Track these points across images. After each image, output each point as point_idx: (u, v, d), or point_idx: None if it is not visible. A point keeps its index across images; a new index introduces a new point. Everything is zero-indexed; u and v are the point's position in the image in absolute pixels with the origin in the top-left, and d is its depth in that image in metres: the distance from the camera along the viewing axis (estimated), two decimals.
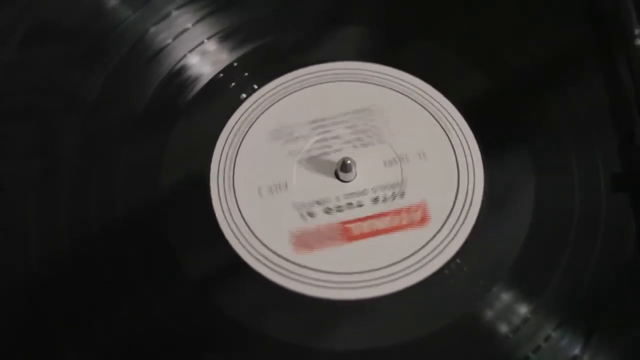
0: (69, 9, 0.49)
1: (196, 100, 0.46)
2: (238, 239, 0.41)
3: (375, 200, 0.42)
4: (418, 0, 0.50)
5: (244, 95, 0.46)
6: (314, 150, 0.44)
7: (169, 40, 0.48)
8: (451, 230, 0.41)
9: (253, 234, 0.41)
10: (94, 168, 0.43)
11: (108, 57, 0.47)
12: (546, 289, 0.39)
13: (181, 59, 0.47)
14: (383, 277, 0.40)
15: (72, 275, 0.40)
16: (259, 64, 0.47)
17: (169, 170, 0.43)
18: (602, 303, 0.39)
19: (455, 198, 0.42)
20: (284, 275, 0.40)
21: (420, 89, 0.46)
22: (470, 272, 0.40)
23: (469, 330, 0.38)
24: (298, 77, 0.47)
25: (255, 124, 0.45)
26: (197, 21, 0.49)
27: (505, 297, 0.39)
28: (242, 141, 0.44)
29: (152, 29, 0.48)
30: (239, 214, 0.42)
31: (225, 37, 0.48)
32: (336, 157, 0.43)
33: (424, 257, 0.40)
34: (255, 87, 0.46)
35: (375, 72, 0.46)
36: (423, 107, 0.45)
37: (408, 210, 0.42)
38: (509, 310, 0.39)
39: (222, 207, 0.42)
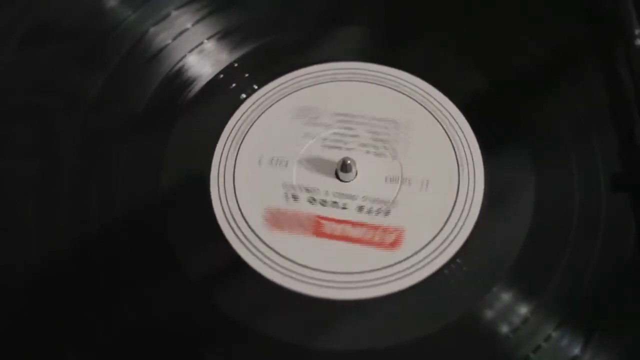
0: (69, 9, 0.49)
1: (196, 101, 0.46)
2: (239, 238, 0.41)
3: (360, 208, 0.42)
4: (418, 0, 0.50)
5: (243, 96, 0.46)
6: (328, 141, 0.44)
7: (169, 41, 0.48)
8: (452, 231, 0.41)
9: (254, 232, 0.41)
10: (94, 168, 0.43)
11: (108, 57, 0.47)
12: (546, 289, 0.39)
13: (181, 59, 0.47)
14: (383, 277, 0.40)
15: (72, 275, 0.40)
16: (259, 64, 0.47)
17: (169, 170, 0.43)
18: (602, 303, 0.39)
19: (456, 198, 0.42)
20: (285, 275, 0.40)
21: (421, 89, 0.46)
22: (470, 272, 0.40)
23: (469, 330, 0.38)
24: (298, 77, 0.47)
25: (255, 123, 0.45)
26: (197, 21, 0.49)
27: (505, 297, 0.39)
28: (242, 141, 0.44)
29: (152, 29, 0.48)
30: (239, 213, 0.42)
31: (225, 37, 0.48)
32: (354, 156, 0.43)
33: (425, 258, 0.40)
34: (255, 87, 0.46)
35: (376, 72, 0.46)
36: (423, 106, 0.45)
37: (385, 229, 0.42)
38: (509, 310, 0.39)
39: (222, 207, 0.42)
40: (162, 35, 0.48)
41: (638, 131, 0.43)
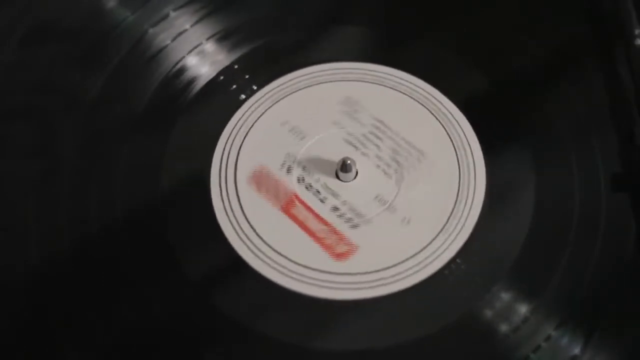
0: (69, 9, 0.49)
1: (195, 101, 0.46)
2: (240, 237, 0.41)
3: (335, 209, 0.42)
4: (418, 0, 0.50)
5: (243, 96, 0.46)
6: (352, 137, 0.44)
7: (168, 41, 0.48)
8: (452, 231, 0.41)
9: (255, 232, 0.41)
10: (94, 168, 0.43)
11: (108, 58, 0.47)
12: (546, 289, 0.39)
13: (180, 59, 0.47)
14: (384, 277, 0.40)
15: (72, 275, 0.40)
16: (259, 65, 0.47)
17: (169, 170, 0.43)
18: (602, 303, 0.39)
19: (457, 198, 0.42)
20: (285, 275, 0.40)
21: (421, 88, 0.46)
22: (471, 271, 0.40)
23: (469, 330, 0.38)
24: (298, 77, 0.47)
25: (257, 123, 0.45)
26: (196, 22, 0.49)
27: (505, 297, 0.39)
28: (243, 140, 0.44)
29: (151, 30, 0.48)
30: (241, 213, 0.42)
31: (224, 37, 0.48)
32: (363, 163, 0.44)
33: (425, 258, 0.40)
34: (255, 87, 0.46)
35: (375, 72, 0.46)
36: (425, 107, 0.45)
37: (342, 239, 0.41)
38: (509, 310, 0.39)
39: (224, 207, 0.42)
40: (162, 36, 0.48)
41: (638, 131, 0.43)
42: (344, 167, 0.42)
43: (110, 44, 0.47)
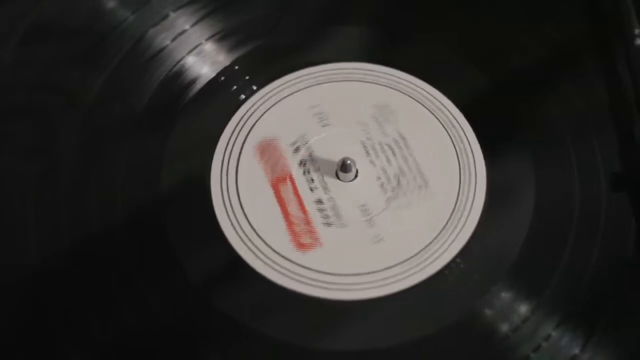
0: (69, 9, 0.49)
1: (195, 101, 0.46)
2: (240, 237, 0.41)
3: (319, 201, 0.42)
4: (418, 0, 0.50)
5: (243, 96, 0.46)
6: (370, 142, 0.44)
7: (168, 42, 0.48)
8: (453, 231, 0.41)
9: (255, 232, 0.41)
10: (94, 168, 0.43)
11: (108, 58, 0.47)
12: (546, 289, 0.39)
13: (180, 60, 0.47)
14: (384, 278, 0.40)
15: (72, 274, 0.40)
16: (258, 65, 0.47)
17: (169, 170, 0.43)
18: (602, 303, 0.39)
19: (457, 198, 0.42)
20: (285, 275, 0.40)
21: (422, 88, 0.46)
22: (471, 271, 0.40)
23: (469, 330, 0.38)
24: (298, 77, 0.47)
25: (258, 124, 0.45)
26: (196, 22, 0.49)
27: (506, 296, 0.39)
28: (245, 140, 0.44)
29: (151, 30, 0.48)
30: (242, 213, 0.42)
31: (224, 38, 0.48)
32: (367, 170, 0.43)
33: (426, 258, 0.40)
34: (254, 87, 0.46)
35: (376, 72, 0.47)
36: (426, 108, 0.45)
37: (311, 232, 0.42)
38: (509, 309, 0.39)
39: (225, 207, 0.42)
40: (162, 36, 0.48)
41: (638, 131, 0.43)
42: (344, 167, 0.42)
43: (110, 44, 0.47)
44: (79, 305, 0.39)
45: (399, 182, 0.43)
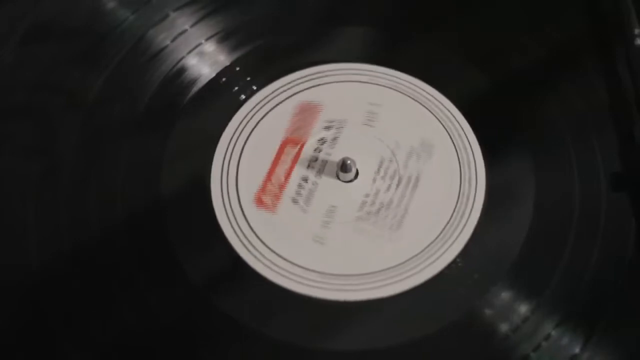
0: (69, 9, 0.49)
1: (195, 101, 0.46)
2: (239, 238, 0.41)
3: (304, 179, 0.43)
4: (418, 0, 0.50)
5: (243, 96, 0.46)
6: (387, 162, 0.44)
7: (168, 42, 0.48)
8: (454, 231, 0.41)
9: (255, 233, 0.41)
10: (94, 168, 0.43)
11: (108, 58, 0.47)
12: (546, 289, 0.39)
13: (180, 60, 0.47)
14: (384, 279, 0.40)
15: (72, 275, 0.40)
16: (258, 65, 0.47)
17: (169, 171, 0.43)
18: (602, 303, 0.39)
19: (458, 199, 0.42)
20: (285, 277, 0.40)
21: (421, 89, 0.46)
22: (471, 271, 0.40)
23: (469, 330, 0.38)
24: (298, 78, 0.47)
25: (259, 124, 0.45)
26: (196, 22, 0.49)
27: (505, 296, 0.39)
28: (246, 140, 0.44)
29: (151, 31, 0.48)
30: (241, 214, 0.42)
31: (224, 38, 0.48)
32: (364, 182, 0.43)
33: (427, 259, 0.40)
34: (254, 88, 0.46)
35: (376, 72, 0.46)
36: (426, 108, 0.45)
37: (277, 196, 0.42)
38: (509, 309, 0.39)
39: (224, 207, 0.42)
40: (162, 36, 0.48)
41: (638, 131, 0.43)
42: (343, 166, 0.42)
43: (110, 44, 0.47)
44: (79, 305, 0.39)
45: (378, 211, 0.42)
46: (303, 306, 0.39)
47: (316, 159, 0.43)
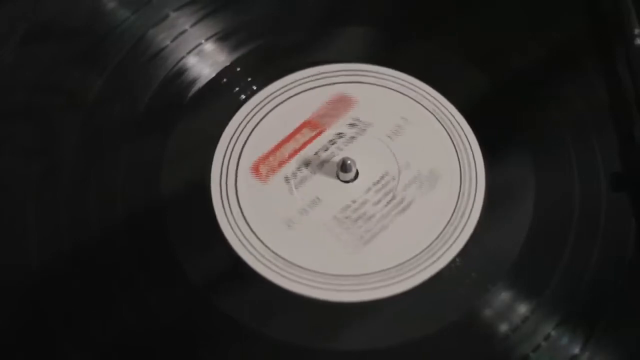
0: (69, 9, 0.49)
1: (195, 102, 0.46)
2: (238, 238, 0.41)
3: (306, 163, 0.43)
4: (418, 0, 0.50)
5: (243, 96, 0.46)
6: (388, 178, 0.44)
7: (168, 42, 0.48)
8: (454, 231, 0.41)
9: (254, 233, 0.41)
10: (94, 168, 0.43)
11: (108, 58, 0.47)
12: (546, 289, 0.39)
13: (180, 60, 0.47)
14: (384, 279, 0.40)
15: (72, 275, 0.40)
16: (258, 65, 0.47)
17: (169, 171, 0.43)
18: (602, 303, 0.39)
19: (458, 199, 0.42)
20: (285, 277, 0.40)
21: (421, 89, 0.46)
22: (471, 271, 0.40)
23: (469, 330, 0.38)
24: (298, 79, 0.47)
25: (259, 124, 0.45)
26: (196, 22, 0.49)
27: (505, 296, 0.39)
28: (246, 141, 0.44)
29: (151, 31, 0.48)
30: (240, 214, 0.42)
31: (224, 38, 0.48)
32: (359, 189, 0.43)
33: (427, 259, 0.40)
34: (255, 88, 0.46)
35: (376, 72, 0.46)
36: (426, 108, 0.45)
37: (273, 170, 0.43)
38: (509, 309, 0.39)
39: (223, 208, 0.42)
40: (162, 36, 0.48)
41: (638, 131, 0.43)
42: (343, 166, 0.42)
43: (110, 44, 0.47)
44: (79, 306, 0.39)
45: (356, 220, 0.42)
46: (303, 306, 0.39)
47: (326, 149, 0.44)
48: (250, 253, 0.41)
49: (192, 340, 0.38)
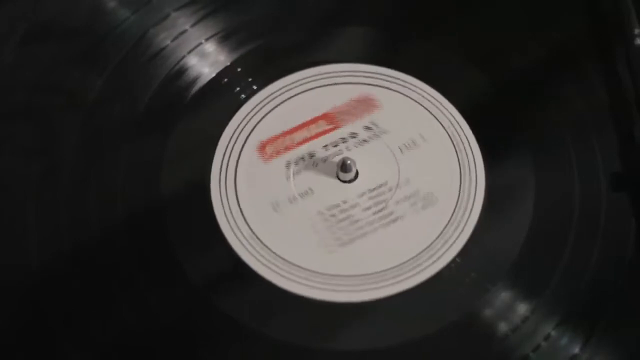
0: (69, 8, 0.49)
1: (196, 101, 0.46)
2: (239, 239, 0.41)
3: (311, 155, 0.44)
4: (418, 0, 0.50)
5: (243, 96, 0.46)
6: (386, 189, 0.43)
7: (168, 42, 0.48)
8: (454, 231, 0.41)
9: (254, 234, 0.41)
10: (94, 168, 0.43)
11: (108, 58, 0.47)
12: (546, 289, 0.39)
13: (180, 59, 0.47)
14: (384, 279, 0.40)
15: (72, 275, 0.40)
16: (259, 65, 0.47)
17: (169, 171, 0.43)
18: (602, 303, 0.39)
19: (458, 199, 0.42)
20: (285, 277, 0.40)
21: (421, 89, 0.46)
22: (471, 271, 0.40)
23: (469, 330, 0.38)
24: (298, 79, 0.47)
25: (260, 124, 0.45)
26: (196, 22, 0.48)
27: (505, 296, 0.39)
28: (245, 141, 0.44)
29: (151, 30, 0.48)
30: (240, 215, 0.42)
31: (225, 37, 0.48)
32: (355, 192, 0.43)
33: (427, 259, 0.40)
34: (255, 87, 0.46)
35: (376, 73, 0.46)
36: (426, 108, 0.45)
37: (278, 152, 0.44)
38: (509, 309, 0.39)
39: (223, 208, 0.42)
40: (162, 35, 0.48)
41: (638, 131, 0.43)
42: (343, 166, 0.42)
43: (110, 44, 0.47)
44: (79, 306, 0.39)
45: (340, 221, 0.42)
46: (303, 306, 0.39)
47: (335, 145, 0.44)
48: (250, 253, 0.41)
49: (192, 340, 0.38)
